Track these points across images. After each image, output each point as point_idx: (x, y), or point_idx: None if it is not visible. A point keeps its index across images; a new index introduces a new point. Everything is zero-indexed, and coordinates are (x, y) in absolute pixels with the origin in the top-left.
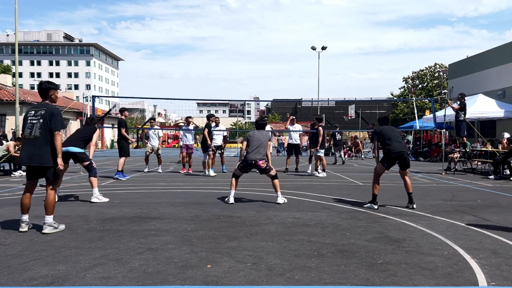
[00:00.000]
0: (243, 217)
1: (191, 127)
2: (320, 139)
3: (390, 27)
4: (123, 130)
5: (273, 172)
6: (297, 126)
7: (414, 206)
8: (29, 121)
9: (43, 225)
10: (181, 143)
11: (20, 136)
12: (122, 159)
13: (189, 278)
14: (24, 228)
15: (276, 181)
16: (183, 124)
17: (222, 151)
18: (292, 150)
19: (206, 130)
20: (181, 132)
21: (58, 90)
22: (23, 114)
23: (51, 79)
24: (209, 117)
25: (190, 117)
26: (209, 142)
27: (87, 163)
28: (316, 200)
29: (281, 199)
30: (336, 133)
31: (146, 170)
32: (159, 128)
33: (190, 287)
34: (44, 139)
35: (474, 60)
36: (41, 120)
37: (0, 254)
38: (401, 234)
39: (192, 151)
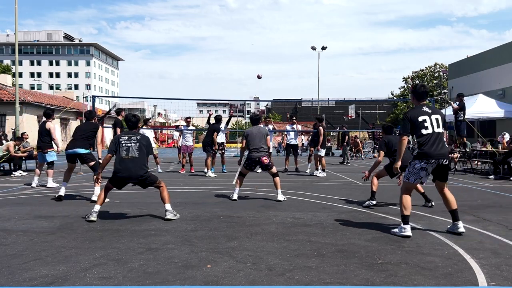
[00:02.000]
0: (243, 217)
1: (190, 127)
2: (321, 138)
3: (389, 27)
4: (118, 131)
5: (274, 170)
6: (297, 127)
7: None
8: (124, 144)
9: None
10: (180, 144)
11: (20, 136)
12: None
13: (189, 278)
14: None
15: (277, 178)
16: (183, 125)
17: (223, 151)
18: (291, 150)
19: (215, 133)
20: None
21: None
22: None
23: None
24: (218, 117)
25: (189, 118)
26: (215, 146)
27: (92, 163)
28: (316, 200)
29: (281, 197)
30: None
31: None
32: (149, 128)
33: (190, 287)
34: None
35: (474, 60)
36: (138, 145)
37: (0, 254)
38: None
39: (192, 151)
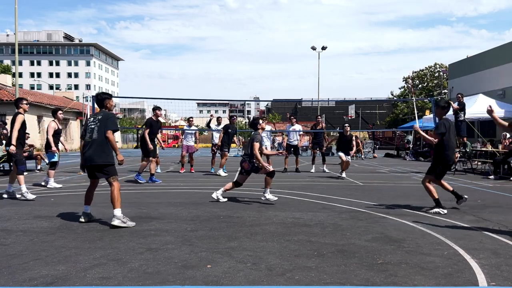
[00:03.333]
0: (243, 217)
1: (193, 127)
2: (354, 143)
3: (389, 27)
4: (147, 131)
5: (264, 171)
6: (297, 127)
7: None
8: (88, 126)
9: (113, 218)
10: (184, 143)
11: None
12: (145, 162)
13: (189, 278)
14: (83, 219)
15: (268, 178)
16: (186, 126)
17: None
18: (291, 150)
19: (223, 131)
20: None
21: (112, 99)
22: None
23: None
24: (232, 118)
25: (191, 118)
26: (236, 143)
27: None
28: (316, 200)
29: (268, 195)
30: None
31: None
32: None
33: (190, 287)
34: (100, 141)
35: (474, 60)
36: (98, 124)
37: (0, 254)
38: (401, 234)
39: (193, 151)
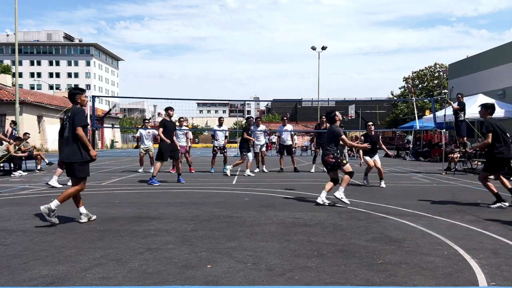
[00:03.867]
0: (243, 217)
1: (183, 128)
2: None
3: (389, 27)
4: (161, 130)
5: (346, 169)
6: (289, 127)
7: None
8: (63, 124)
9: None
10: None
11: (19, 136)
12: (158, 163)
13: (189, 278)
14: (83, 219)
15: (346, 177)
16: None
17: (225, 150)
18: (284, 151)
19: (245, 133)
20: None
21: (85, 94)
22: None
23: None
24: (248, 119)
25: (182, 118)
26: (252, 141)
27: None
28: (316, 200)
29: (341, 194)
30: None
31: (140, 170)
32: (151, 128)
33: (190, 287)
34: (68, 138)
35: (474, 60)
36: (69, 121)
37: (0, 254)
38: (401, 234)
39: (185, 151)
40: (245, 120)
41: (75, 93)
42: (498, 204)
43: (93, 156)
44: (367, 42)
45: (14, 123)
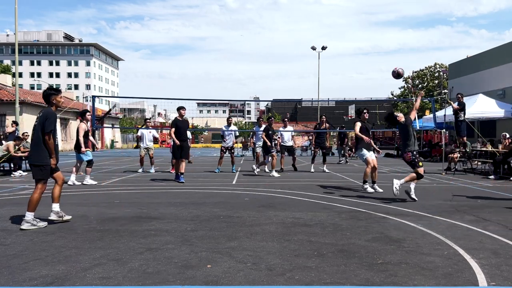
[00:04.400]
0: (243, 217)
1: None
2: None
3: (389, 27)
4: (173, 130)
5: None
6: (289, 128)
7: None
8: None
9: (22, 221)
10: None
11: (19, 136)
12: (174, 161)
13: (189, 278)
14: (52, 216)
15: (413, 175)
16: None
17: (233, 151)
18: (285, 151)
19: (264, 133)
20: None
21: (60, 95)
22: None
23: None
24: (269, 118)
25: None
26: (268, 144)
27: None
28: (316, 200)
29: (412, 193)
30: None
31: (140, 170)
32: (152, 128)
33: (190, 287)
34: (36, 140)
35: (474, 60)
36: (37, 122)
37: (0, 254)
38: (401, 234)
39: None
40: (267, 119)
41: (50, 93)
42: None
43: (51, 165)
44: (367, 42)
45: (15, 123)
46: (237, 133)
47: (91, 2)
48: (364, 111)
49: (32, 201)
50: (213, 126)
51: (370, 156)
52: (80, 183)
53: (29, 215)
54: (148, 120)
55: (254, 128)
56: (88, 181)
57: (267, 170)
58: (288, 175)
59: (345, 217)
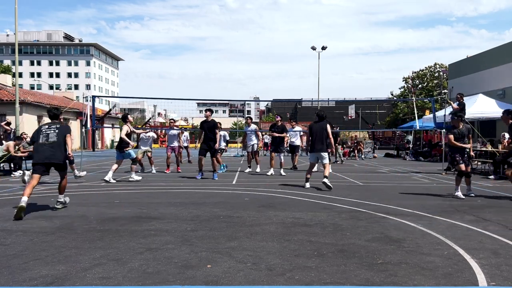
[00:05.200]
0: (243, 217)
1: (174, 130)
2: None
3: (389, 27)
4: (201, 133)
5: (458, 167)
6: (297, 129)
7: None
8: (43, 132)
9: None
10: (168, 145)
11: (19, 136)
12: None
13: (189, 278)
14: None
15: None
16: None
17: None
18: (294, 150)
19: (284, 133)
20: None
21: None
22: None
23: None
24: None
25: (172, 120)
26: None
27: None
28: (316, 200)
29: (458, 192)
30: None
31: (154, 171)
32: (149, 129)
33: (190, 287)
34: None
35: (474, 60)
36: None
37: (0, 254)
38: (401, 234)
39: (177, 151)
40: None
41: (58, 113)
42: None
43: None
44: (367, 42)
45: (8, 123)
46: (228, 137)
47: (91, 2)
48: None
49: (64, 187)
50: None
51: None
52: (115, 181)
53: (62, 197)
54: (149, 121)
55: (244, 128)
56: (134, 177)
57: (257, 171)
58: (288, 175)
59: (345, 217)
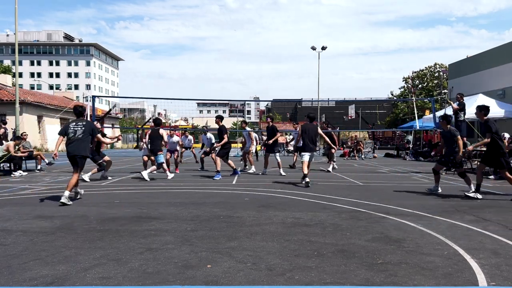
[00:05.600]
0: (243, 217)
1: (175, 138)
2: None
3: (389, 27)
4: (225, 136)
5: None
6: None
7: None
8: (71, 128)
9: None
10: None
11: (19, 135)
12: (218, 159)
13: (189, 278)
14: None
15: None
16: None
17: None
18: (297, 150)
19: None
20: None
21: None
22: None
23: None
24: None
25: (173, 129)
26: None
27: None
28: (316, 200)
29: (471, 193)
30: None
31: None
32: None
33: (190, 287)
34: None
35: (474, 60)
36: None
37: (0, 254)
38: (401, 234)
39: (177, 154)
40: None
41: (83, 109)
42: (473, 194)
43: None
44: (367, 42)
45: (4, 122)
46: (213, 140)
47: (91, 2)
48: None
49: (74, 183)
50: (213, 127)
51: None
52: (149, 180)
53: (68, 193)
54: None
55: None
56: (143, 174)
57: (250, 171)
58: (288, 175)
59: (345, 217)
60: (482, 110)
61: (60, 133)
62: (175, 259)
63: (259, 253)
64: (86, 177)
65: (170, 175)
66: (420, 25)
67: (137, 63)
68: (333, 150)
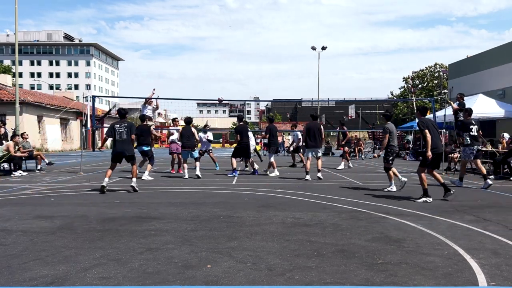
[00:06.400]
0: (243, 217)
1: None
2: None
3: (389, 27)
4: (237, 136)
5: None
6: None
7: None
8: (117, 130)
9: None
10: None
11: (15, 133)
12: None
13: (189, 278)
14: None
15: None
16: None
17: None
18: (297, 150)
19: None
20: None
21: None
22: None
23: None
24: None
25: (176, 119)
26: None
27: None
28: (316, 200)
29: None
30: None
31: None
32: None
33: (190, 287)
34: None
35: (474, 60)
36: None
37: (0, 254)
38: (401, 234)
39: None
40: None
41: (126, 112)
42: (423, 199)
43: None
44: (367, 42)
45: (3, 123)
46: (204, 139)
47: (91, 2)
48: None
49: (135, 172)
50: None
51: None
52: (187, 177)
53: (135, 180)
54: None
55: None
56: (184, 172)
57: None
58: (288, 174)
59: (345, 217)
60: (418, 110)
61: (107, 135)
62: (175, 259)
63: (259, 253)
64: (146, 176)
65: (146, 176)
66: (420, 25)
67: (137, 63)
68: (346, 148)
